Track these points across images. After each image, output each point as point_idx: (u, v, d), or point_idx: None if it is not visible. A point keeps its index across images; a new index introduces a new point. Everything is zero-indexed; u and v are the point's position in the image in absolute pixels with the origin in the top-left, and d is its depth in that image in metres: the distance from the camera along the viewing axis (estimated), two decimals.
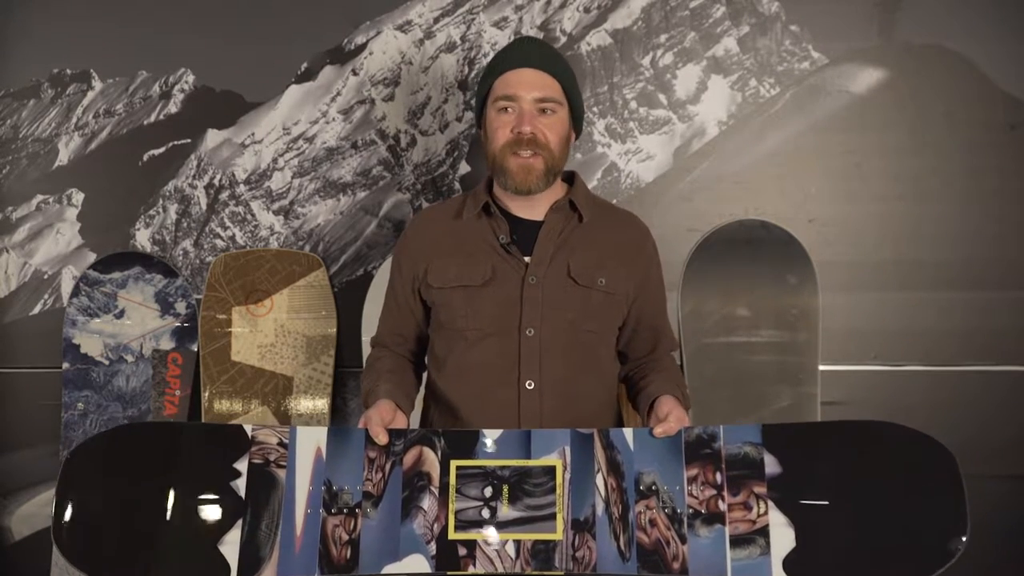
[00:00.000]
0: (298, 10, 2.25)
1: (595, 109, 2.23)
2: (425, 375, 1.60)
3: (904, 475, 1.28)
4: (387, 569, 1.28)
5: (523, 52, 1.51)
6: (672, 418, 1.33)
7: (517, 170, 1.45)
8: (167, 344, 2.22)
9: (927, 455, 1.28)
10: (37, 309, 2.30)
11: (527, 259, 1.47)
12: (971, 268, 2.17)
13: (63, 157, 2.31)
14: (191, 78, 2.29)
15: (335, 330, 2.20)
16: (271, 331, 2.19)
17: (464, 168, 2.25)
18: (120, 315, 2.23)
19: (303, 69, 2.27)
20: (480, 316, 1.46)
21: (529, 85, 1.46)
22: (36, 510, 2.27)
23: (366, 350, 2.10)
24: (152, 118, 2.31)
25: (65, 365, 2.21)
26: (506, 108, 1.47)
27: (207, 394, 2.16)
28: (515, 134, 1.45)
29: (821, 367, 2.08)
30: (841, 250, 2.18)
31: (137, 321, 2.23)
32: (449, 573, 1.28)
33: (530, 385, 1.42)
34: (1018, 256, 2.17)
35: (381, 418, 1.35)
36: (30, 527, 2.27)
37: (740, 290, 2.10)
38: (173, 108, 2.30)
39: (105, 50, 2.30)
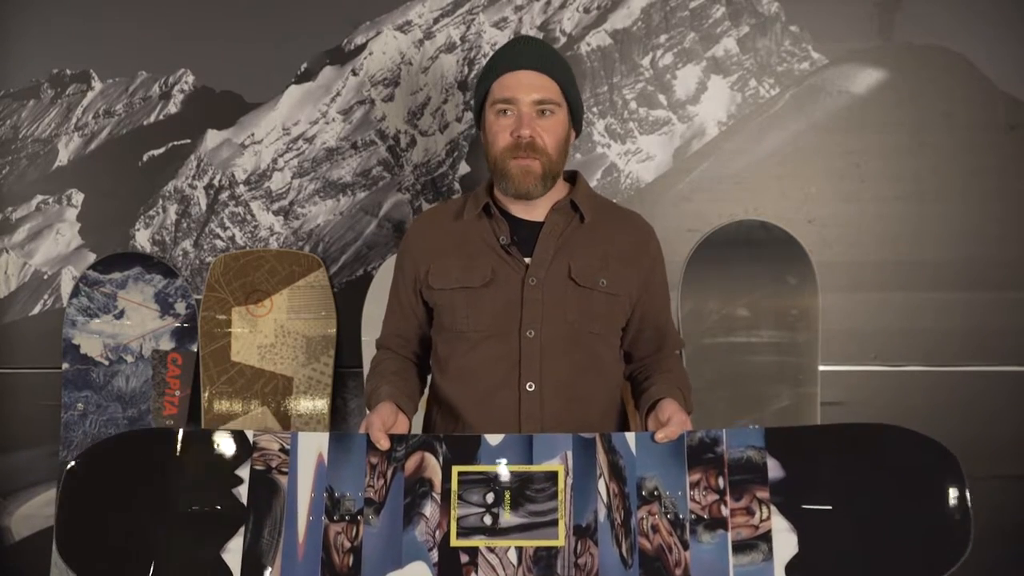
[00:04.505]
0: (298, 10, 2.25)
1: (595, 109, 2.23)
2: (429, 377, 1.59)
3: (908, 479, 1.27)
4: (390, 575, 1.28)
5: (519, 53, 1.50)
6: (674, 422, 1.33)
7: (517, 173, 1.45)
8: (167, 344, 2.22)
9: (931, 459, 1.27)
10: (37, 309, 2.30)
11: (527, 260, 1.47)
12: (971, 268, 2.17)
13: (63, 157, 2.31)
14: (191, 78, 2.29)
15: (335, 330, 2.20)
16: (271, 331, 2.19)
17: (464, 168, 2.25)
18: (120, 315, 2.23)
19: (303, 69, 2.27)
20: (480, 318, 1.45)
21: (527, 87, 1.46)
22: (36, 510, 2.27)
23: (366, 350, 2.11)
24: (152, 118, 2.31)
25: (65, 365, 2.21)
26: (504, 111, 1.46)
27: (207, 395, 2.16)
28: (514, 138, 1.45)
29: (821, 367, 2.08)
30: (841, 250, 2.18)
31: (137, 321, 2.22)
32: None
33: (531, 387, 1.42)
34: (1018, 256, 2.17)
35: (382, 422, 1.35)
36: (30, 527, 2.27)
37: (740, 290, 2.10)
38: (173, 108, 2.30)
39: (105, 50, 2.30)
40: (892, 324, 2.17)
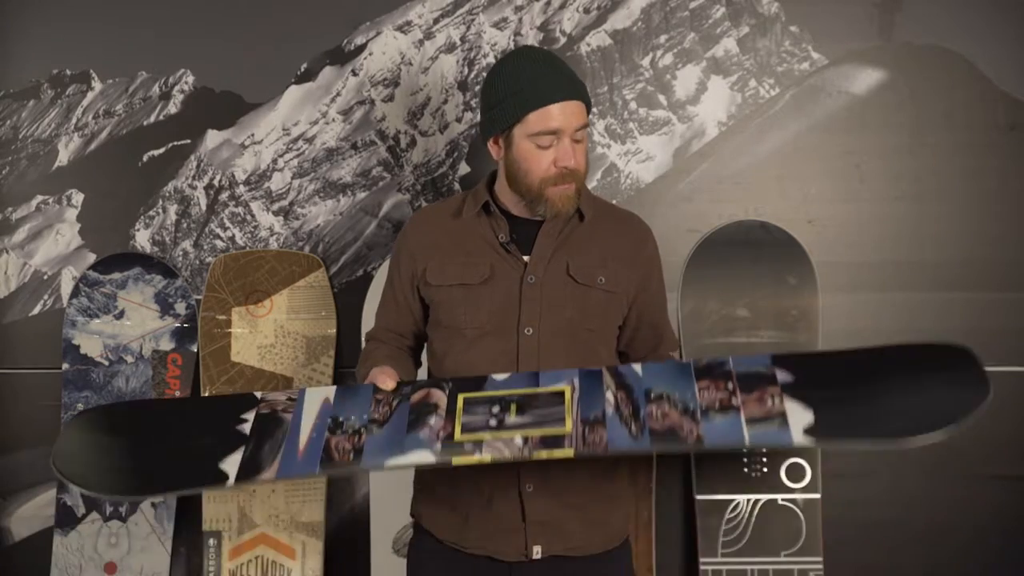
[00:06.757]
0: (298, 10, 2.26)
1: (595, 110, 2.23)
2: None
3: (918, 362, 1.30)
4: (390, 462, 1.29)
5: (556, 83, 1.44)
6: None
7: (558, 199, 1.44)
8: (167, 345, 2.22)
9: (939, 348, 1.31)
10: (37, 310, 2.30)
11: (526, 258, 1.47)
12: (971, 268, 2.17)
13: (63, 158, 2.31)
14: (191, 79, 2.29)
15: (335, 331, 2.20)
16: (271, 332, 2.19)
17: (464, 169, 2.25)
18: (120, 316, 2.23)
19: (303, 70, 2.27)
20: (479, 315, 1.46)
21: (571, 118, 1.43)
22: (36, 511, 2.27)
23: None
24: (152, 119, 2.31)
25: (65, 366, 2.21)
26: (548, 144, 1.43)
27: (207, 395, 2.16)
28: (559, 168, 1.43)
29: None
30: (841, 251, 2.18)
31: (137, 322, 2.23)
32: (454, 458, 1.28)
33: None
34: (1018, 256, 2.17)
35: (386, 376, 1.40)
36: (30, 528, 2.27)
37: (740, 291, 2.10)
38: (173, 109, 2.30)
39: (105, 50, 2.30)
40: (892, 324, 2.17)
